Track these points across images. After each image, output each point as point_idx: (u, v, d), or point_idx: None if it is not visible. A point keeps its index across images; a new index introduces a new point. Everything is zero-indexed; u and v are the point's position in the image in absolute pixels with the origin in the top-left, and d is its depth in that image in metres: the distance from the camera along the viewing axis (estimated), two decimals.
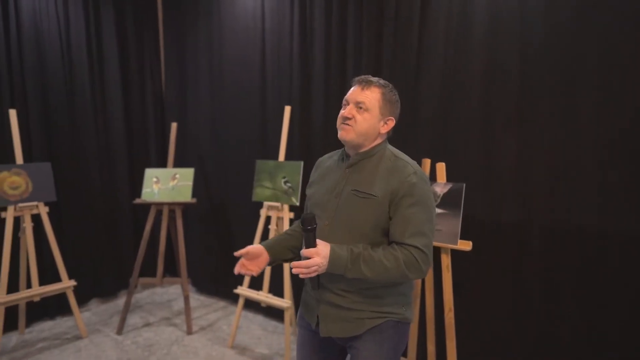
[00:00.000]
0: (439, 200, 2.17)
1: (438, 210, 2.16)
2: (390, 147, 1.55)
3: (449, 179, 2.24)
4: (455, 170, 2.35)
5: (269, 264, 1.58)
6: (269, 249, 1.58)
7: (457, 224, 2.10)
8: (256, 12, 3.43)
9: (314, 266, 1.31)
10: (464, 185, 2.13)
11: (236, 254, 1.53)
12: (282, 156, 3.10)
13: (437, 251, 2.24)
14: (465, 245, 2.11)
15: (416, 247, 1.36)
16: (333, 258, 1.34)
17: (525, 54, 2.16)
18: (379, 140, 1.51)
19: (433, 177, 2.26)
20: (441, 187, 2.18)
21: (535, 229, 2.20)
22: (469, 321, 2.42)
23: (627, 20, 1.90)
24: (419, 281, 2.31)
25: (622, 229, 1.96)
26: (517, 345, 2.29)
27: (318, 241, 1.35)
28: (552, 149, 2.12)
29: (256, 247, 1.55)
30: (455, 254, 2.33)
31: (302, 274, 1.32)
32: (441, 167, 2.20)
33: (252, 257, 1.54)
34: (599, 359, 2.06)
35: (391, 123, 1.51)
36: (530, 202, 2.20)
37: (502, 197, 2.28)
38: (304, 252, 1.33)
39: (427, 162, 2.29)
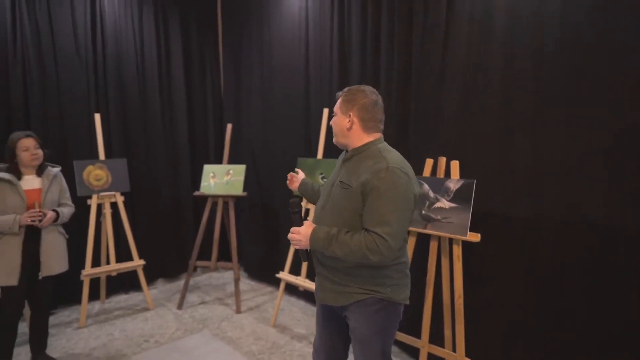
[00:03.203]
0: (452, 195, 2.33)
1: (450, 204, 2.32)
2: (382, 146, 1.70)
3: (468, 176, 2.38)
4: (473, 167, 2.48)
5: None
6: (303, 184, 2.15)
7: (467, 217, 2.25)
8: (301, 25, 3.76)
9: (294, 241, 1.68)
10: (475, 181, 2.27)
11: (294, 173, 2.19)
12: (320, 154, 3.39)
13: (448, 242, 2.41)
14: (474, 237, 2.25)
15: (378, 234, 1.52)
16: (312, 237, 1.63)
17: (539, 58, 2.25)
18: (367, 139, 1.70)
19: (448, 174, 2.42)
20: (454, 183, 2.34)
21: (547, 223, 2.25)
22: (484, 310, 2.54)
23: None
24: (433, 270, 2.48)
25: (631, 225, 2.00)
26: (529, 337, 2.39)
27: (305, 222, 1.67)
28: (565, 147, 2.18)
29: (302, 176, 2.19)
30: (476, 248, 2.48)
31: (293, 245, 1.71)
32: (455, 164, 2.36)
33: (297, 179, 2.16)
34: (605, 354, 2.10)
35: (354, 117, 1.70)
36: (542, 198, 2.26)
37: (516, 193, 2.36)
38: (291, 230, 1.70)
39: (442, 160, 2.46)
